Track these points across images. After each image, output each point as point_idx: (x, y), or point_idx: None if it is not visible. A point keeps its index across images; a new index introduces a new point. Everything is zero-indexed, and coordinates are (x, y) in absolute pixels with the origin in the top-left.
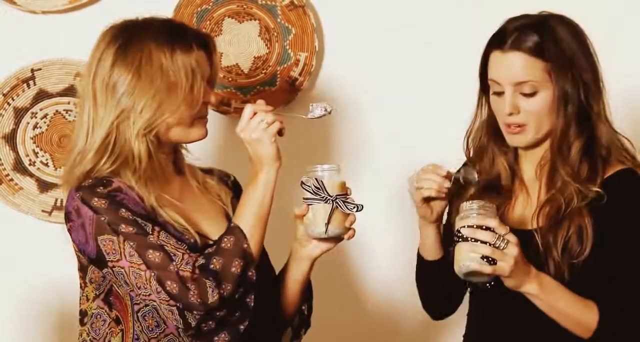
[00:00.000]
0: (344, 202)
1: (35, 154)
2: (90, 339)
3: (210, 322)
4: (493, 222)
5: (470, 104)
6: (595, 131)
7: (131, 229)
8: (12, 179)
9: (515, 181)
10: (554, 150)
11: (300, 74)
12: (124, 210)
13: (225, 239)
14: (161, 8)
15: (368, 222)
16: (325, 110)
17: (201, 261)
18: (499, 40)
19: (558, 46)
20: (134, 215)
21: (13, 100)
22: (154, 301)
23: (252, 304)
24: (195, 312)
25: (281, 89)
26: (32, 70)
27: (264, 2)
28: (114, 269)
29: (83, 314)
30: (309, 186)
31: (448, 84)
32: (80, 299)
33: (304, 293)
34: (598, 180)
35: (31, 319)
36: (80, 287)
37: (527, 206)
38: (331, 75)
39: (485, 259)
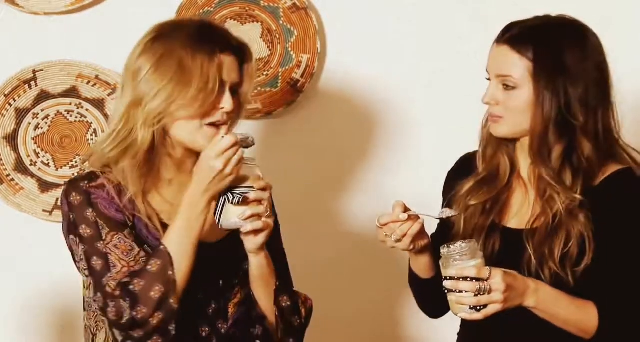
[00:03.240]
0: (232, 194)
1: (37, 154)
2: (88, 325)
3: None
4: (472, 271)
5: (472, 104)
6: (575, 143)
7: (89, 231)
8: (13, 179)
9: (513, 173)
10: (533, 151)
11: (302, 76)
12: (90, 210)
13: (152, 262)
14: (164, 10)
15: (368, 222)
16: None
17: (126, 279)
18: (499, 34)
19: (551, 52)
20: (98, 216)
21: (15, 101)
22: None
23: (174, 333)
24: (114, 329)
25: (283, 90)
26: (34, 71)
27: (266, 4)
28: (78, 267)
29: (83, 299)
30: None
31: (451, 85)
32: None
33: (269, 292)
34: (579, 188)
35: (31, 318)
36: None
37: (524, 201)
38: (333, 78)
39: (473, 308)
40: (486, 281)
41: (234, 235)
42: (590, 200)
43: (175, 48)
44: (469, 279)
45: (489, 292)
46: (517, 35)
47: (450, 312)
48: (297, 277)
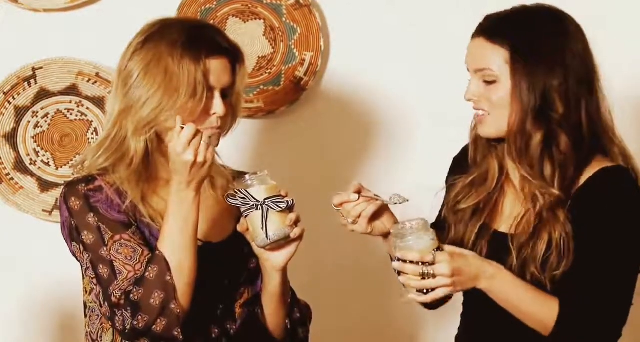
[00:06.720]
0: (274, 202)
1: (36, 153)
2: (89, 332)
3: None
4: (415, 256)
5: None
6: (553, 136)
7: (91, 237)
8: (12, 178)
9: (504, 177)
10: (511, 145)
11: (305, 74)
12: (92, 215)
13: (150, 268)
14: (164, 7)
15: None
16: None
17: (129, 288)
18: (476, 28)
19: (527, 40)
20: (100, 220)
21: (14, 99)
22: None
23: (181, 338)
24: (121, 337)
25: (286, 89)
26: (33, 69)
27: (269, 1)
28: (84, 274)
29: (84, 305)
30: (235, 199)
31: (452, 83)
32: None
33: (285, 306)
34: (557, 183)
35: (31, 318)
36: (82, 277)
37: (515, 205)
38: (336, 75)
39: (420, 291)
40: (431, 265)
41: (237, 234)
42: (575, 200)
43: (163, 54)
44: (414, 263)
45: (434, 276)
46: (492, 26)
47: (450, 305)
48: (299, 278)
